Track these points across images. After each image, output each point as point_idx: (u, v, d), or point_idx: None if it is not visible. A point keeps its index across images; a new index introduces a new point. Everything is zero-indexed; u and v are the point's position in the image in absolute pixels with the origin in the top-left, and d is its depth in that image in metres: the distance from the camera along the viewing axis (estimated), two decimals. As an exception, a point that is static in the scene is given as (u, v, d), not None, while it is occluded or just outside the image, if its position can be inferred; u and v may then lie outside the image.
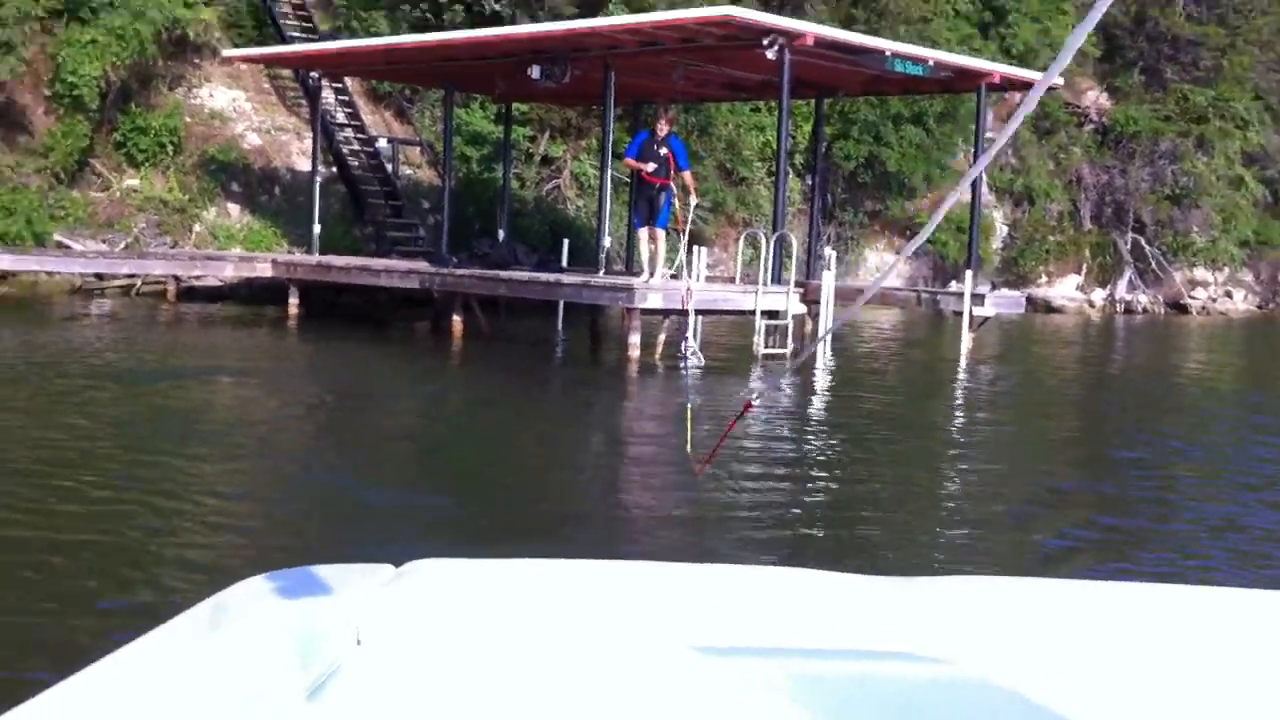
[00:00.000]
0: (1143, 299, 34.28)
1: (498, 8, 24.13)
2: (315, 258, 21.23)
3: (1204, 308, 34.88)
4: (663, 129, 16.29)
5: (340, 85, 24.65)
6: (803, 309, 17.40)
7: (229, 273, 21.30)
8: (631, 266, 20.61)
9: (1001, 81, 20.06)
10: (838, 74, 19.31)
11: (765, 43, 16.60)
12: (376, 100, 26.58)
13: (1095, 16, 1.48)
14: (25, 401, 10.95)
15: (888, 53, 18.24)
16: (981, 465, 10.31)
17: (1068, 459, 11.15)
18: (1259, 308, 36.65)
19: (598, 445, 11.05)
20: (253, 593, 1.63)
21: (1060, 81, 21.66)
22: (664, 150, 16.11)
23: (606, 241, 19.07)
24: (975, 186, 20.61)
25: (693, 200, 16.73)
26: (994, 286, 22.04)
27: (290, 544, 6.64)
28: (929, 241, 31.23)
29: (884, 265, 31.94)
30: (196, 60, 24.74)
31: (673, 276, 16.70)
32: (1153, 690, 1.49)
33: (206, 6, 24.36)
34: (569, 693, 1.42)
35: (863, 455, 10.53)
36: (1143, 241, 34.22)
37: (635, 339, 15.63)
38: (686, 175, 16.43)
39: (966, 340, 17.47)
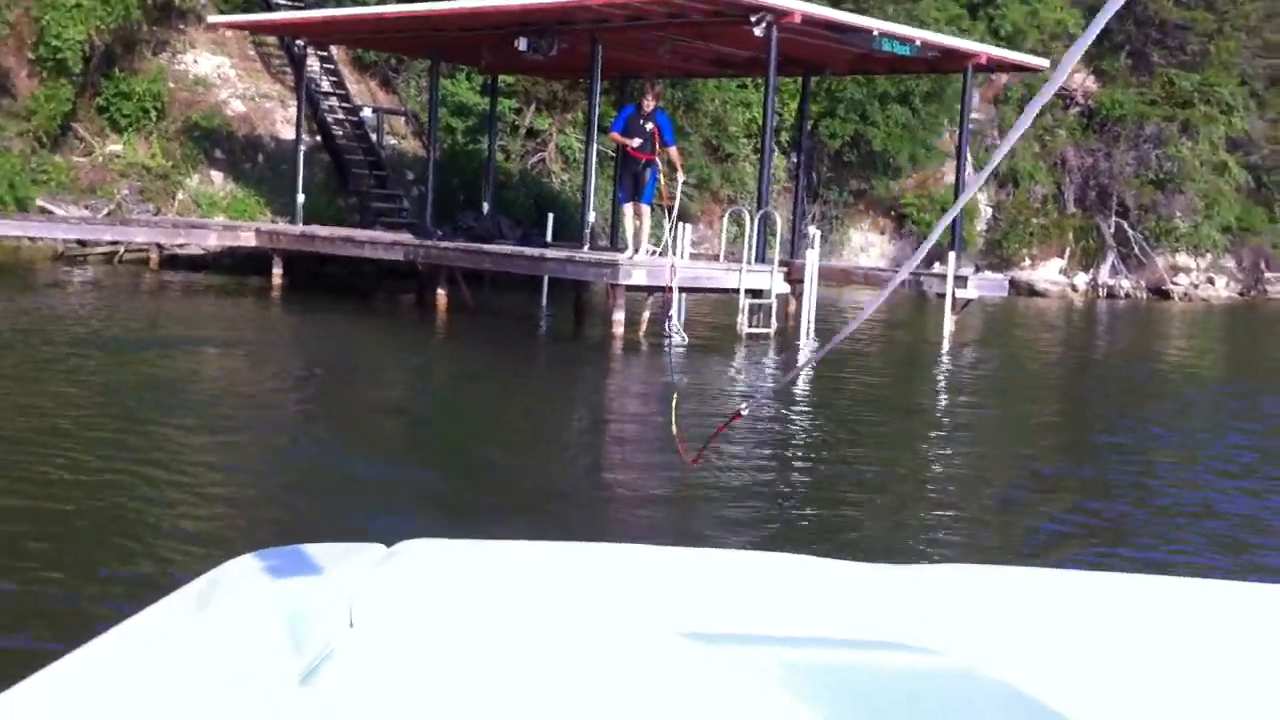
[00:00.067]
0: (1125, 284, 34.33)
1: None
2: (299, 227, 21.11)
3: (1186, 294, 34.96)
4: (649, 104, 16.23)
5: (325, 53, 24.47)
6: (786, 288, 17.42)
7: (212, 241, 21.20)
8: (616, 242, 20.59)
9: (988, 63, 20.09)
10: (825, 52, 19.30)
11: (753, 19, 16.58)
12: (362, 69, 26.42)
13: (1103, 18, 1.50)
14: (12, 369, 10.94)
15: (875, 32, 18.25)
16: (965, 448, 10.38)
17: (1050, 443, 11.23)
18: (1240, 295, 36.73)
19: (583, 422, 11.08)
20: (243, 572, 1.63)
21: (1045, 63, 21.64)
22: (650, 125, 16.08)
23: (591, 216, 19.05)
24: (959, 169, 20.65)
25: (679, 176, 16.71)
26: (977, 269, 22.09)
27: (281, 516, 6.74)
28: (913, 222, 31.34)
29: (868, 245, 31.96)
30: (181, 26, 24.55)
31: (660, 253, 16.69)
32: (1140, 680, 1.52)
33: (192, -29, 24.18)
34: (562, 677, 1.44)
35: (847, 436, 10.60)
36: (1126, 226, 34.26)
37: (619, 315, 15.62)
38: (672, 151, 16.41)
39: (949, 322, 17.54)
